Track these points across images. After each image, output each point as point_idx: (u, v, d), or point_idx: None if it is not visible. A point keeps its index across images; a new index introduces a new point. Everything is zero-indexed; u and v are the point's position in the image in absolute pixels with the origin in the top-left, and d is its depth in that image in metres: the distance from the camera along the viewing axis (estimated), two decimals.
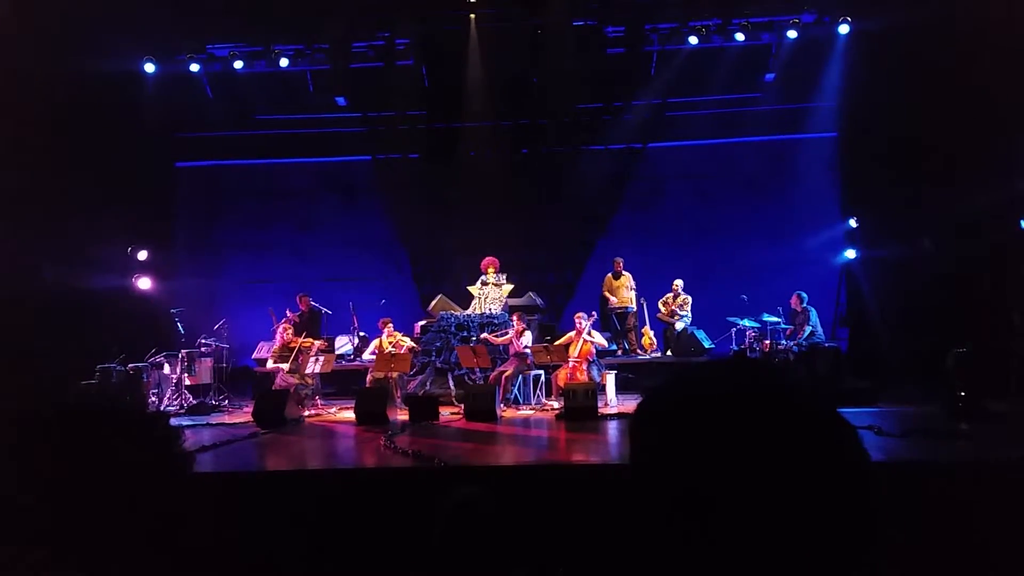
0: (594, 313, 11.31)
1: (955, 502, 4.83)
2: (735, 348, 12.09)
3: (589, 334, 10.61)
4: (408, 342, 11.24)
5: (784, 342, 11.60)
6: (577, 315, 10.86)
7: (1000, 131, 10.19)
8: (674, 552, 0.87)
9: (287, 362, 10.75)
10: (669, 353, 12.88)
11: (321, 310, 12.98)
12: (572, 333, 10.72)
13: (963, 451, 6.62)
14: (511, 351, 10.88)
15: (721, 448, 0.84)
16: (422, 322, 12.40)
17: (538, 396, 10.72)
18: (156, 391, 11.02)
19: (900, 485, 4.76)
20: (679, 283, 13.11)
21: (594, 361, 10.71)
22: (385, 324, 11.33)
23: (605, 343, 11.06)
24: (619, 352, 13.05)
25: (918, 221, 11.52)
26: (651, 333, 13.18)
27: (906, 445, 6.79)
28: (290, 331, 11.17)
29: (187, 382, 11.28)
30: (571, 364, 10.43)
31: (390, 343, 11.09)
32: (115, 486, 0.96)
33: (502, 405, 9.93)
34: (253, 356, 12.59)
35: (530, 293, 12.88)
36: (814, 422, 0.88)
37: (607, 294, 13.28)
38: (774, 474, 0.83)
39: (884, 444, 6.62)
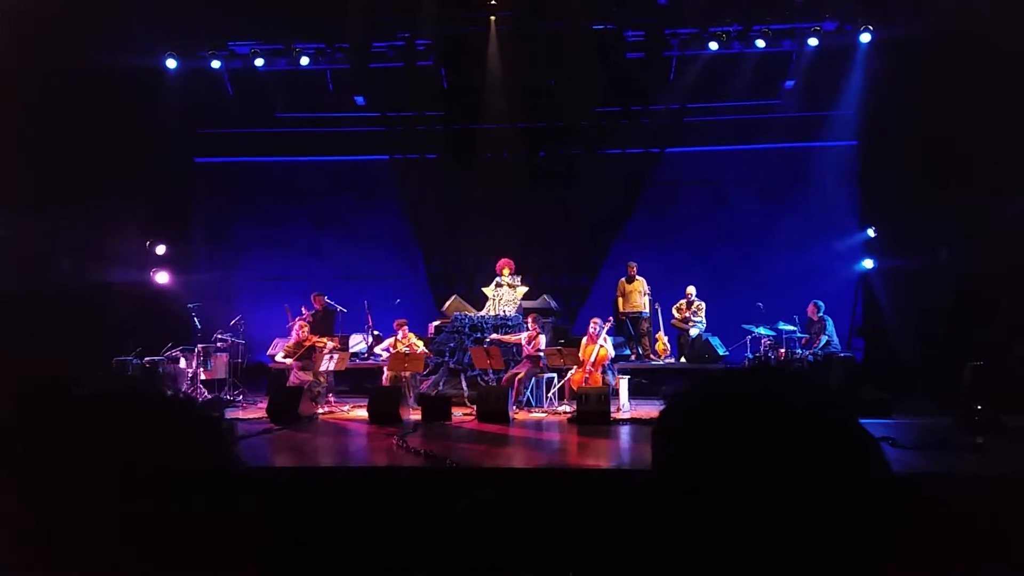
0: (610, 319, 11.27)
1: (968, 516, 4.80)
2: (750, 356, 12.03)
3: (604, 340, 10.58)
4: (420, 346, 11.21)
5: (799, 351, 11.54)
6: (593, 320, 10.79)
7: (1022, 141, 10.09)
8: (693, 558, 0.87)
9: (300, 359, 10.82)
10: (683, 359, 12.84)
11: (335, 309, 12.99)
12: (585, 339, 10.70)
13: (978, 465, 6.57)
14: (524, 353, 10.86)
15: (745, 458, 0.85)
16: (436, 322, 12.41)
17: (551, 399, 10.70)
18: (171, 385, 11.09)
19: (913, 498, 4.72)
20: (692, 290, 13.04)
21: (608, 366, 10.68)
22: (400, 325, 11.30)
23: (613, 353, 11.02)
24: (632, 357, 13.01)
25: (937, 232, 11.41)
26: (665, 339, 13.13)
27: (920, 457, 6.75)
28: (305, 329, 11.20)
29: (202, 377, 11.34)
30: (587, 370, 10.39)
31: (404, 345, 11.07)
32: (163, 476, 0.92)
33: (514, 407, 9.92)
34: (268, 352, 12.65)
35: (544, 296, 12.87)
36: (837, 433, 0.89)
37: (621, 298, 13.25)
38: (797, 485, 0.83)
39: (898, 456, 6.58)
